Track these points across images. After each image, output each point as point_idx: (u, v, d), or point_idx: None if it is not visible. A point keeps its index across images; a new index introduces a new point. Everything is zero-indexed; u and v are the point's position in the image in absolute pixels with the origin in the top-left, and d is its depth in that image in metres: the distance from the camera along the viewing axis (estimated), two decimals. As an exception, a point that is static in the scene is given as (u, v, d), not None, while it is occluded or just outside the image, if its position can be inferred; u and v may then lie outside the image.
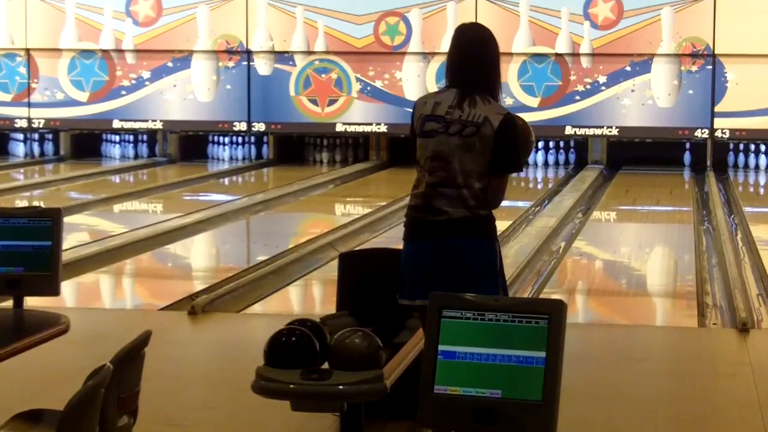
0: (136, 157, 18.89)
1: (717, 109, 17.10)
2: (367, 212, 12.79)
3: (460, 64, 4.69)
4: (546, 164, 17.84)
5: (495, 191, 4.64)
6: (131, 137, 18.91)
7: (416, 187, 4.71)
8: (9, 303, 4.70)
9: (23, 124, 18.48)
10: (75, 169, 17.41)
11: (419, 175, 4.70)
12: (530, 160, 17.84)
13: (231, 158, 18.63)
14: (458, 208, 4.60)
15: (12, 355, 4.00)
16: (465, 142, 4.57)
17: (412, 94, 17.53)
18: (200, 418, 5.43)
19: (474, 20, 17.18)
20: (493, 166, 4.61)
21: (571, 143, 17.97)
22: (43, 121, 18.42)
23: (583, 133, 17.40)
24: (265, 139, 18.58)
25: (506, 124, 4.59)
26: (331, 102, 17.88)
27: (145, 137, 18.90)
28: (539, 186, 16.45)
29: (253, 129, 18.04)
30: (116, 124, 18.34)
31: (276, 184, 16.41)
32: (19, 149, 19.00)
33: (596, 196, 14.68)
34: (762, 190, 16.40)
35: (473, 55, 4.67)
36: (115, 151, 18.99)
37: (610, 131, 17.35)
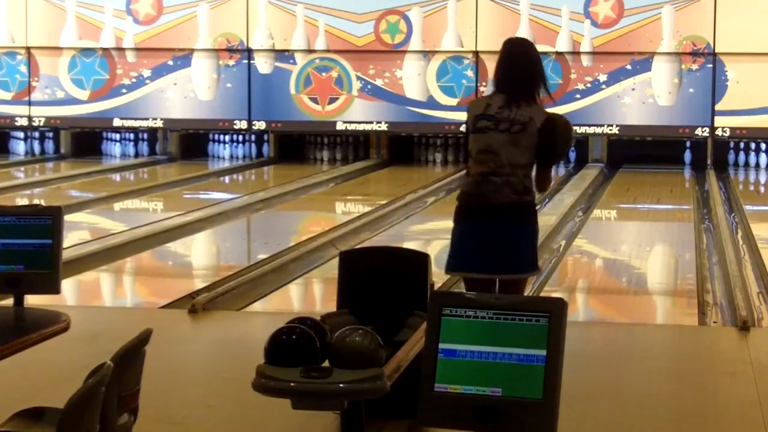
0: (137, 155, 18.89)
1: (717, 107, 17.10)
2: (368, 210, 12.79)
3: (506, 73, 5.46)
4: (546, 162, 17.82)
5: (542, 181, 5.44)
6: (132, 135, 18.91)
7: (467, 176, 5.46)
8: (9, 301, 4.70)
9: (24, 122, 18.48)
10: (75, 167, 17.41)
11: (470, 166, 5.45)
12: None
13: (231, 156, 18.64)
14: (503, 195, 5.31)
15: (12, 353, 4.00)
16: (512, 138, 5.32)
17: (413, 92, 17.54)
18: (201, 416, 5.43)
19: (475, 19, 17.29)
20: (539, 160, 5.37)
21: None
22: (43, 120, 18.43)
23: (584, 131, 17.40)
24: (265, 137, 18.58)
25: (549, 123, 5.36)
26: (332, 100, 17.88)
27: (145, 135, 18.90)
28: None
29: (253, 127, 18.05)
30: (117, 122, 18.35)
31: (276, 182, 16.41)
32: (19, 147, 19.00)
33: (597, 195, 14.68)
34: (762, 189, 16.39)
35: (517, 65, 5.44)
36: (116, 149, 18.98)
37: (610, 129, 17.36)
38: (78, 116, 18.38)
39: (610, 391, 5.89)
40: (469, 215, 5.36)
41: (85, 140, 18.89)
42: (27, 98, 18.42)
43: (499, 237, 5.29)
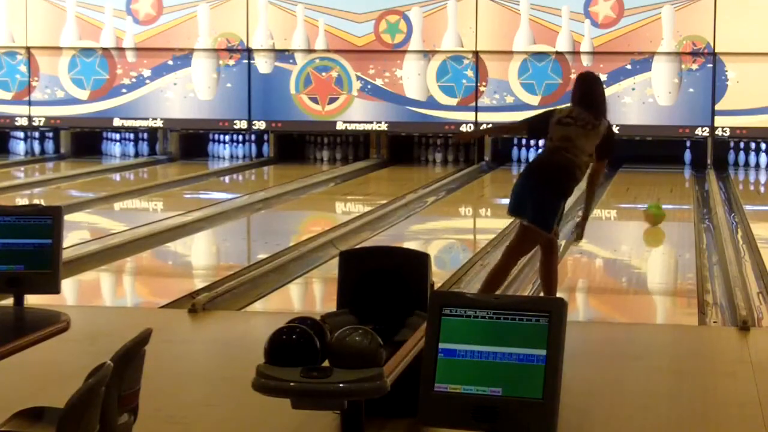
0: (137, 155, 18.89)
1: (717, 107, 17.10)
2: (368, 210, 12.79)
3: (578, 95, 7.12)
4: (546, 162, 17.83)
5: (597, 172, 7.24)
6: (132, 135, 18.92)
7: (545, 149, 7.20)
8: (9, 301, 4.71)
9: (24, 122, 18.48)
10: (75, 167, 17.41)
11: (548, 145, 7.11)
12: (531, 157, 17.94)
13: (231, 156, 18.64)
14: (565, 162, 6.95)
15: (13, 353, 4.00)
16: (585, 132, 6.97)
17: (413, 92, 17.54)
18: (201, 416, 5.43)
19: (475, 19, 17.29)
20: (599, 155, 7.07)
21: (572, 141, 17.95)
22: (43, 119, 18.43)
23: (584, 131, 17.38)
24: (265, 137, 18.58)
25: (611, 131, 7.12)
26: (332, 100, 17.88)
27: (145, 135, 18.90)
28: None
29: (253, 127, 18.05)
30: (117, 122, 18.35)
31: (276, 182, 16.41)
32: (19, 147, 19.00)
33: (597, 195, 14.65)
34: (762, 189, 16.39)
35: (586, 90, 7.13)
36: (116, 149, 18.99)
37: (610, 129, 17.33)
38: (78, 116, 18.39)
39: (609, 391, 5.89)
40: (529, 171, 7.21)
41: (85, 140, 18.89)
42: (27, 98, 18.42)
43: (533, 192, 6.99)
